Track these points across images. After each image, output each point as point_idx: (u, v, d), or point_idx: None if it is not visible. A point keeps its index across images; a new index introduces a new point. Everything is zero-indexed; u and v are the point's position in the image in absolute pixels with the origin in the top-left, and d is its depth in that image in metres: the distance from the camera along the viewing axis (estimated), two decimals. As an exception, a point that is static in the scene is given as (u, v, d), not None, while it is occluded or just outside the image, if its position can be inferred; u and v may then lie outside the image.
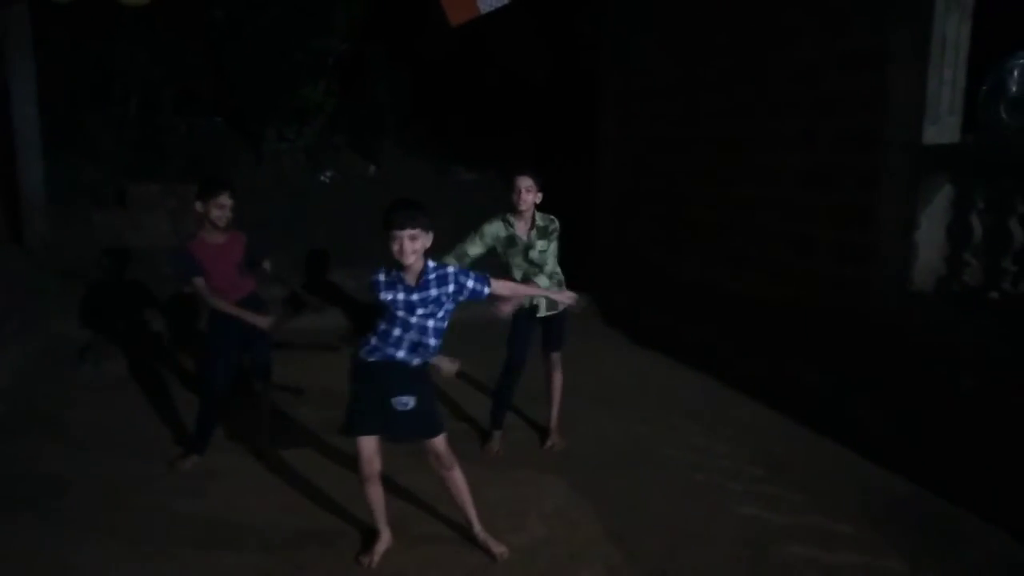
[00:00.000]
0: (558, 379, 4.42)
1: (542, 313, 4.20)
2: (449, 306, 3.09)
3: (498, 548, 3.25)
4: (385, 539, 3.27)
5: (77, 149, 7.70)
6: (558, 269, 4.28)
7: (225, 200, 3.96)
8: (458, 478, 3.24)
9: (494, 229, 4.13)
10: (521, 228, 4.14)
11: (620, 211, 7.85)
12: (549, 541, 3.41)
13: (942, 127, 4.32)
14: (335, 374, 5.57)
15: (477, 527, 3.30)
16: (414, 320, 3.03)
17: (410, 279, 3.02)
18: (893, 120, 4.47)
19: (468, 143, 9.20)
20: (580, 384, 5.51)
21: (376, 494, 3.24)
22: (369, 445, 3.15)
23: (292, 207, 8.19)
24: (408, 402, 3.08)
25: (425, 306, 3.03)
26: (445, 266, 3.11)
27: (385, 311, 3.06)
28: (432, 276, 3.04)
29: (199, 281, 3.93)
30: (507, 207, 4.16)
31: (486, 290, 3.13)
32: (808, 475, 4.07)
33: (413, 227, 2.90)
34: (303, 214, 8.22)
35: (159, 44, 8.23)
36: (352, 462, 4.09)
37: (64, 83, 7.46)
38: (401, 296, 3.02)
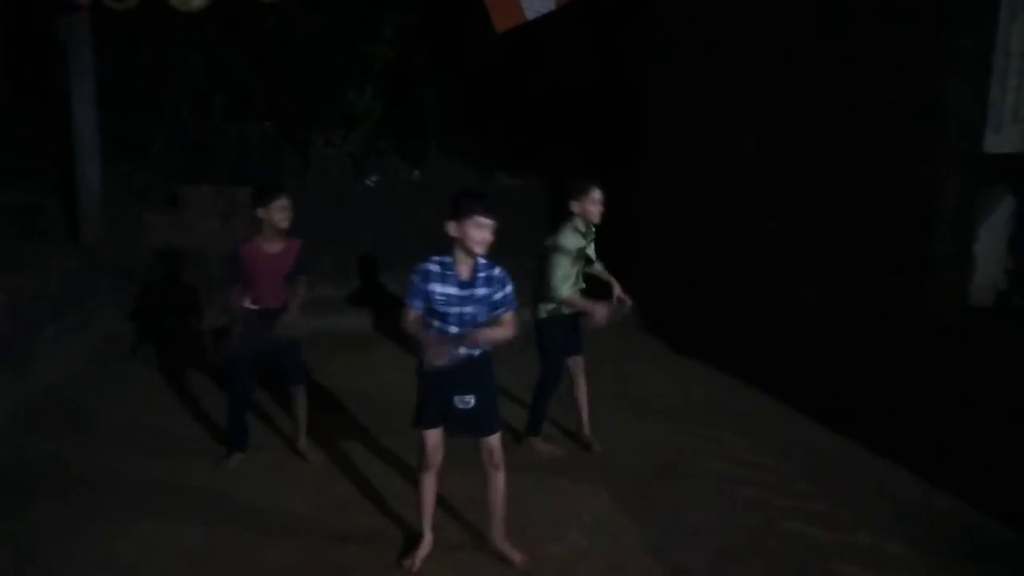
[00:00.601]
0: (583, 384, 4.43)
1: (570, 311, 4.19)
2: (486, 309, 3.07)
3: (516, 555, 3.23)
4: (427, 542, 3.26)
5: (131, 152, 7.91)
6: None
7: (285, 202, 4.01)
8: (501, 480, 3.21)
9: (574, 242, 4.15)
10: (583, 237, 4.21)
11: (663, 217, 7.76)
12: (589, 552, 3.36)
13: (1005, 136, 4.16)
14: (378, 376, 5.65)
15: (498, 533, 3.26)
16: (468, 314, 3.01)
17: (463, 273, 3.00)
18: (953, 128, 4.32)
19: (510, 149, 9.21)
20: (621, 392, 5.46)
21: (429, 489, 3.23)
22: (435, 436, 3.15)
23: (338, 211, 8.29)
24: (470, 401, 3.10)
25: (474, 303, 3.02)
26: (492, 266, 3.07)
27: (433, 305, 3.01)
28: (482, 275, 3.03)
29: (234, 290, 4.03)
30: (563, 213, 4.20)
31: (501, 311, 3.07)
32: (858, 492, 3.95)
33: (497, 217, 2.94)
34: (349, 218, 8.32)
35: (211, 50, 8.42)
36: (394, 463, 4.14)
37: (119, 87, 7.68)
38: (453, 291, 2.99)
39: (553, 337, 4.23)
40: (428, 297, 3.01)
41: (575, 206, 4.17)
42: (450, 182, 8.98)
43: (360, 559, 3.26)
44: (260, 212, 3.99)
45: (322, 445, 4.39)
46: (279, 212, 3.98)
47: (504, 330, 3.06)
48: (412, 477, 3.96)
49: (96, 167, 6.81)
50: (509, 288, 3.08)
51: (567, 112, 9.38)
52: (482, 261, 3.03)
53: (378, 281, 7.47)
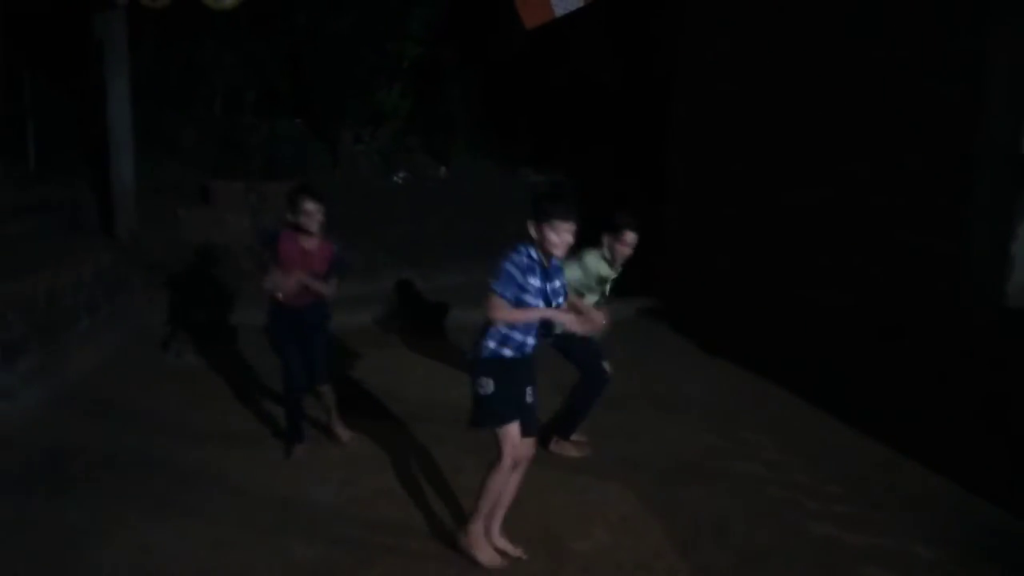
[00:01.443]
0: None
1: None
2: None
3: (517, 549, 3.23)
4: (478, 529, 3.20)
5: (164, 147, 8.04)
6: None
7: (312, 206, 4.00)
8: (518, 480, 3.23)
9: (596, 267, 4.16)
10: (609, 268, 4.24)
11: (690, 216, 7.70)
12: (614, 549, 3.35)
13: (1044, 135, 4.08)
14: (404, 371, 5.68)
15: (474, 527, 3.16)
16: (555, 305, 3.06)
17: (545, 264, 3.05)
18: (991, 129, 4.24)
19: (536, 145, 9.21)
20: (646, 392, 5.44)
21: (509, 489, 3.18)
22: (517, 429, 3.07)
23: (366, 207, 8.35)
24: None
25: (553, 298, 3.06)
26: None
27: (524, 296, 2.96)
28: (556, 264, 3.09)
29: (267, 256, 4.07)
30: (594, 242, 4.17)
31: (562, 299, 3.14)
32: (888, 496, 3.90)
33: (577, 220, 2.97)
34: (377, 214, 8.38)
35: (243, 48, 8.53)
36: (420, 457, 4.16)
37: (153, 84, 7.80)
38: (542, 283, 3.01)
39: (582, 343, 4.14)
40: (522, 288, 2.96)
41: (607, 240, 4.17)
42: (476, 178, 9.02)
43: (387, 551, 3.28)
44: (290, 217, 4.02)
45: (348, 441, 4.43)
46: (305, 215, 3.99)
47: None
48: (438, 470, 4.01)
49: (130, 162, 6.93)
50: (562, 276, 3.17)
51: (593, 108, 9.35)
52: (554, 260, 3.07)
53: (406, 277, 7.51)
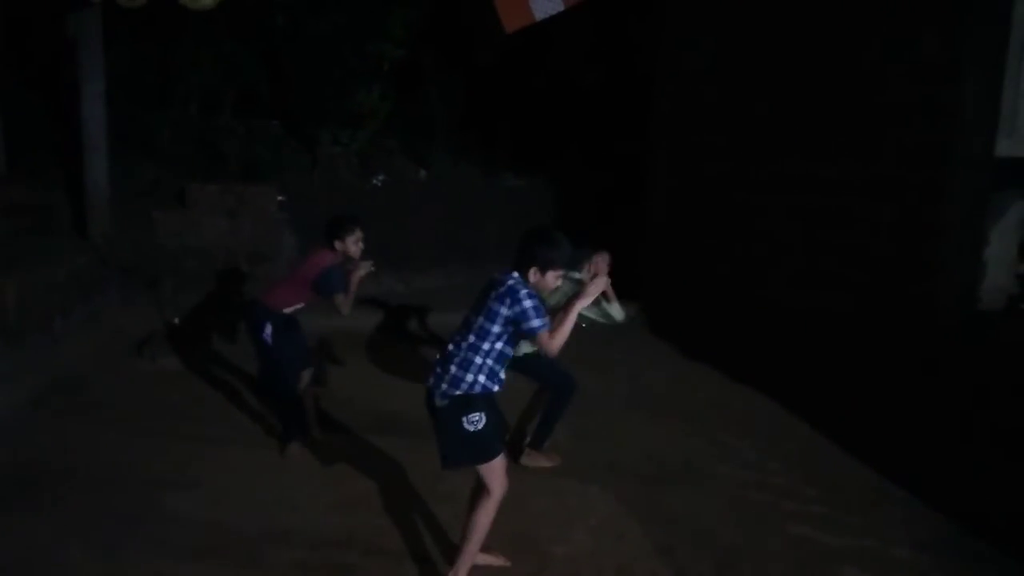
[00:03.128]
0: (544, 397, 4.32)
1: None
2: None
3: None
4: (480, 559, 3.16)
5: (139, 148, 7.92)
6: None
7: (359, 234, 4.26)
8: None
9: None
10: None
11: (670, 219, 7.74)
12: (595, 553, 3.35)
13: (1017, 140, 4.15)
14: (382, 377, 5.65)
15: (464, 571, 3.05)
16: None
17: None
18: (964, 132, 4.31)
19: (517, 149, 9.20)
20: (625, 394, 5.45)
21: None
22: (503, 461, 3.00)
23: (345, 209, 8.28)
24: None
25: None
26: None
27: (515, 332, 2.91)
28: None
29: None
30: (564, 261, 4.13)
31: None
32: (865, 497, 3.93)
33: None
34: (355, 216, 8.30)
35: (220, 48, 8.43)
36: (399, 464, 4.13)
37: (129, 84, 7.69)
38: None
39: (535, 359, 4.04)
40: (517, 323, 2.87)
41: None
42: (456, 182, 8.99)
43: (365, 558, 3.25)
44: (338, 245, 4.18)
45: (326, 445, 4.39)
46: (354, 245, 4.19)
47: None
48: (418, 477, 3.97)
49: (104, 164, 6.82)
50: None
51: (575, 112, 9.37)
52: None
53: (384, 282, 7.46)
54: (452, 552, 3.26)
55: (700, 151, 7.22)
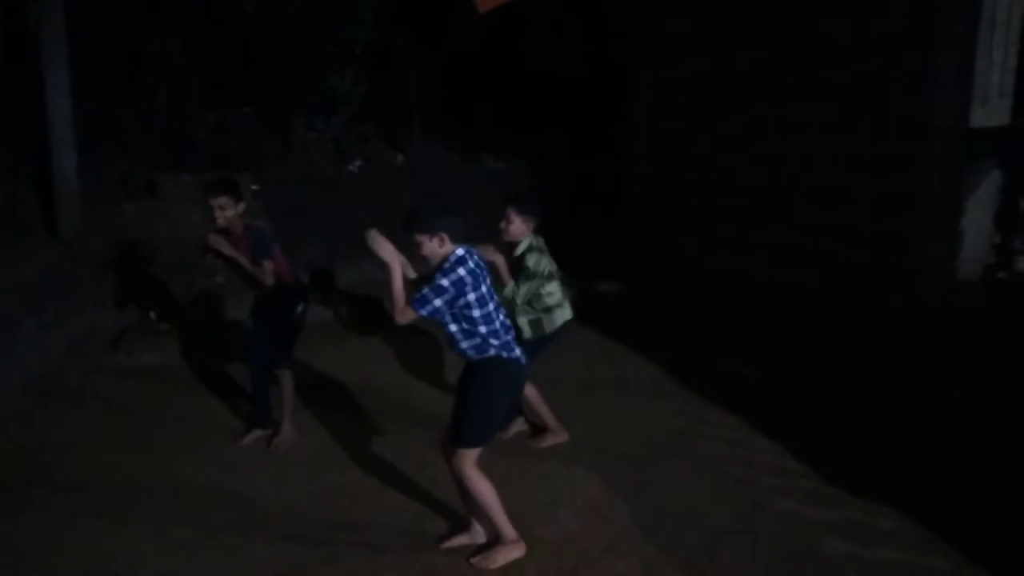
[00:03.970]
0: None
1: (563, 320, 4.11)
2: (455, 309, 2.99)
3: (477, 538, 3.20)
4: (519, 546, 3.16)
5: (108, 140, 7.75)
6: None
7: (218, 200, 3.97)
8: (474, 492, 3.13)
9: (545, 264, 4.05)
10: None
11: (651, 201, 7.73)
12: (581, 534, 3.35)
13: (991, 109, 4.16)
14: (362, 365, 5.60)
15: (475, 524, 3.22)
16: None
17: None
18: (939, 103, 4.31)
19: (495, 132, 9.13)
20: (609, 376, 5.45)
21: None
22: None
23: (321, 197, 8.19)
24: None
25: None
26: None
27: (486, 297, 2.98)
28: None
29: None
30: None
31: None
32: (850, 471, 3.95)
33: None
34: (332, 203, 8.22)
35: (189, 35, 8.25)
36: (381, 452, 4.10)
37: (95, 75, 7.51)
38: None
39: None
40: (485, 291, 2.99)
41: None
42: (434, 166, 8.91)
43: (351, 547, 3.23)
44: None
45: (311, 434, 4.35)
46: (215, 210, 3.98)
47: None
48: (403, 464, 3.95)
49: (72, 157, 6.66)
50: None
51: (553, 94, 9.30)
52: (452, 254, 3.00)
53: (362, 268, 7.39)
54: (440, 535, 3.26)
55: (679, 131, 7.20)
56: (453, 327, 3.00)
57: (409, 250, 3.04)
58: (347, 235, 7.93)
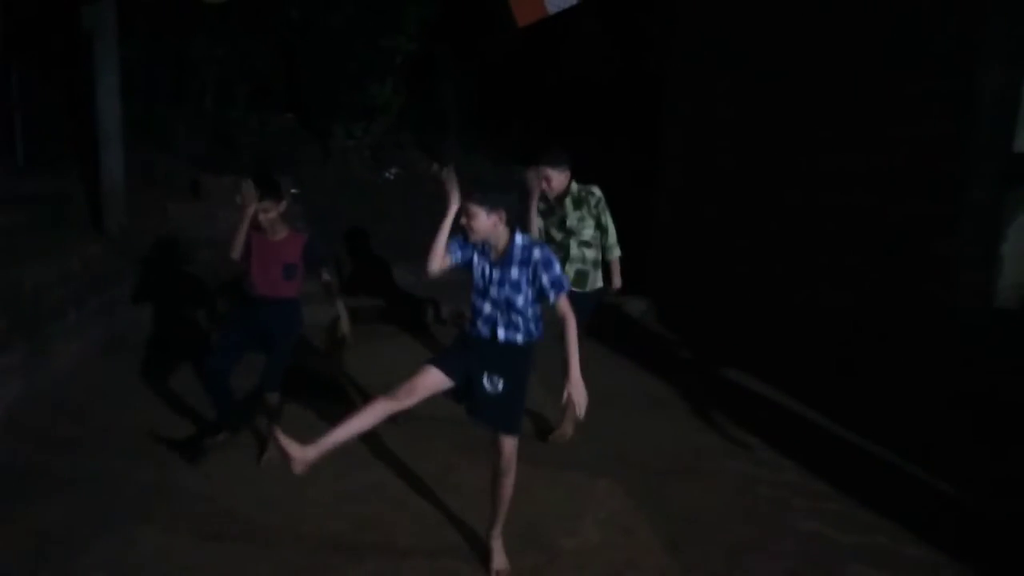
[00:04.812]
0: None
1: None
2: (523, 295, 2.93)
3: (498, 564, 3.10)
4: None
5: (154, 141, 7.98)
6: (595, 238, 4.29)
7: (264, 204, 3.92)
8: (508, 484, 3.06)
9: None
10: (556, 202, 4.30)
11: (681, 213, 7.71)
12: (603, 548, 3.35)
13: (1035, 135, 4.09)
14: (391, 368, 5.65)
15: (495, 533, 3.14)
16: (500, 297, 2.94)
17: (495, 253, 2.97)
18: (981, 126, 4.26)
19: (529, 142, 9.18)
20: (634, 388, 5.44)
21: (366, 416, 2.93)
22: (431, 377, 2.95)
23: (357, 203, 8.32)
24: (498, 384, 2.95)
25: (508, 285, 2.93)
26: (532, 247, 2.94)
27: (475, 275, 3.00)
28: (519, 255, 2.93)
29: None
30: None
31: (552, 297, 2.93)
32: (877, 495, 3.90)
33: (478, 203, 2.90)
34: (368, 210, 8.34)
35: (235, 42, 8.47)
36: (411, 455, 4.13)
37: (144, 77, 7.74)
38: (487, 268, 2.97)
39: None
40: (470, 264, 3.00)
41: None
42: (468, 175, 8.98)
43: (377, 549, 3.26)
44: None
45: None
46: (261, 213, 3.93)
47: (569, 328, 2.91)
48: (430, 467, 3.98)
49: (119, 156, 6.86)
50: (556, 269, 2.94)
51: (587, 104, 9.34)
52: (519, 241, 2.94)
53: (398, 272, 7.49)
54: (463, 542, 3.28)
55: (712, 145, 7.18)
56: (532, 308, 2.98)
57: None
58: (383, 239, 8.06)
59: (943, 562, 3.32)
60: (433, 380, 2.96)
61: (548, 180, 4.17)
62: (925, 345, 4.53)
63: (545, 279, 2.91)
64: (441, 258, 2.95)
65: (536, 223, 4.21)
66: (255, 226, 4.00)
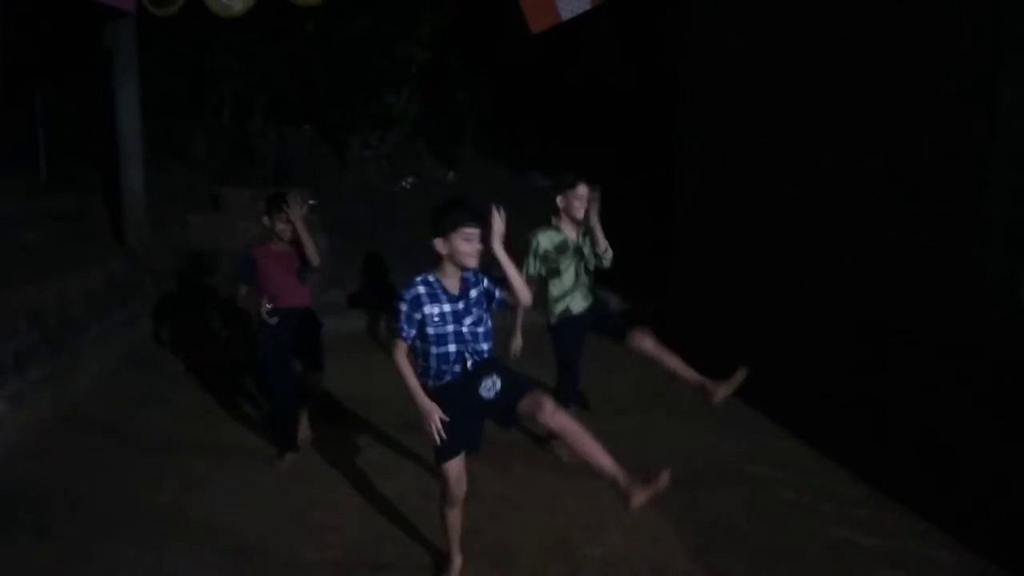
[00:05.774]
0: (650, 344, 4.23)
1: (579, 309, 4.10)
2: (484, 311, 2.94)
3: (641, 493, 2.84)
4: (457, 565, 3.13)
5: (173, 154, 8.07)
6: (590, 253, 4.19)
7: (281, 215, 4.09)
8: (583, 437, 2.85)
9: (544, 241, 4.14)
10: (571, 232, 4.16)
11: (697, 218, 7.66)
12: (629, 555, 3.32)
13: (1062, 131, 4.02)
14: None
15: (620, 477, 2.87)
16: (465, 330, 2.85)
17: (450, 285, 2.87)
18: (1005, 124, 4.18)
19: (545, 149, 9.20)
20: (659, 395, 5.39)
21: (457, 516, 3.06)
22: (459, 466, 2.91)
23: (374, 212, 8.36)
24: (496, 382, 2.87)
25: (470, 312, 2.88)
26: (469, 270, 2.91)
27: (427, 328, 2.83)
28: (469, 279, 2.92)
29: (243, 289, 4.15)
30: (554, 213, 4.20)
31: (497, 294, 2.99)
32: (906, 499, 3.84)
33: (483, 225, 2.80)
34: (384, 219, 8.38)
35: (251, 54, 8.56)
36: (422, 465, 4.13)
37: (162, 91, 7.84)
38: (447, 307, 2.84)
39: (558, 333, 4.21)
40: (421, 323, 2.84)
41: (560, 202, 4.14)
42: (484, 183, 9.01)
43: (398, 558, 3.27)
44: (265, 220, 4.14)
45: (357, 445, 4.41)
46: (280, 223, 4.09)
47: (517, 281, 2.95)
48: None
49: (140, 170, 6.95)
50: (483, 277, 2.95)
51: (602, 111, 9.33)
52: (466, 272, 2.91)
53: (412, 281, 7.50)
54: (487, 551, 3.26)
55: (728, 148, 7.14)
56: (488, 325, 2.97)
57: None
58: (399, 249, 8.09)
59: (976, 567, 3.26)
60: (461, 463, 2.92)
61: (587, 200, 4.03)
62: (953, 346, 4.46)
63: (486, 282, 2.94)
64: (528, 284, 2.96)
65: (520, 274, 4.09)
66: (262, 242, 4.18)
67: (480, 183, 8.98)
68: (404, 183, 9.02)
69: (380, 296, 7.39)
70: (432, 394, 2.90)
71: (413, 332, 2.86)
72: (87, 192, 7.31)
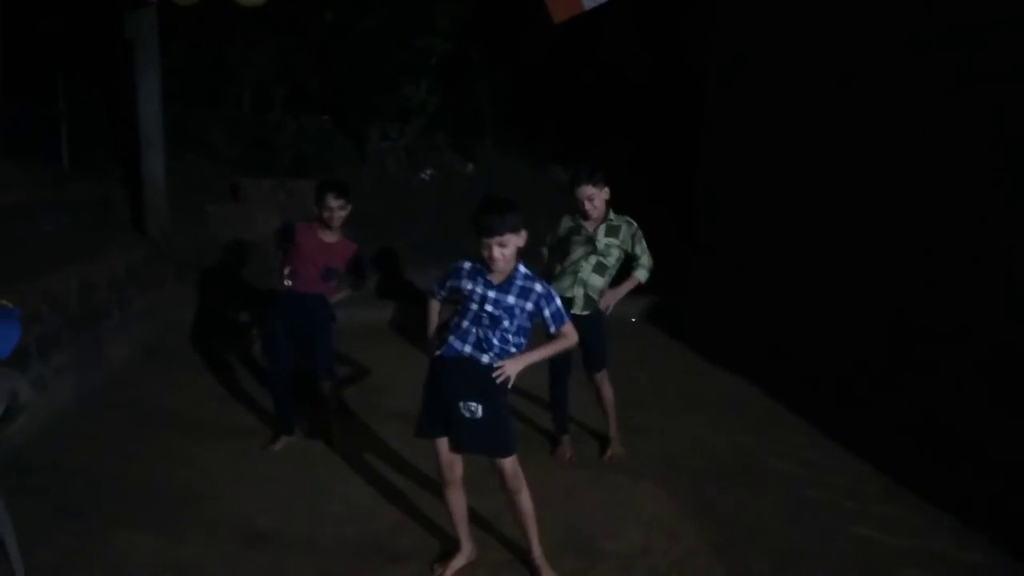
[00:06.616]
0: (607, 393, 4.19)
1: (577, 311, 3.99)
2: (523, 321, 2.94)
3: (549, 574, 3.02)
4: (466, 553, 3.11)
5: (194, 144, 8.10)
6: (613, 268, 4.07)
7: (336, 202, 4.06)
8: (524, 501, 3.00)
9: (562, 226, 4.19)
10: (589, 225, 4.07)
11: (722, 215, 7.58)
12: (647, 551, 3.28)
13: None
14: (416, 368, 5.64)
15: (536, 552, 3.05)
16: (485, 315, 2.88)
17: (495, 278, 2.90)
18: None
19: (565, 142, 9.14)
20: (675, 390, 5.36)
21: (457, 501, 3.07)
22: (444, 448, 3.00)
23: (393, 204, 8.35)
24: (477, 410, 2.89)
25: (497, 307, 2.88)
26: (534, 280, 2.92)
27: (459, 302, 2.97)
28: (518, 283, 2.90)
29: (279, 255, 4.21)
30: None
31: (553, 329, 2.95)
32: (931, 497, 3.77)
33: (502, 232, 2.79)
34: (403, 211, 8.37)
35: (272, 45, 8.56)
36: (427, 460, 4.09)
37: (183, 82, 7.86)
38: (480, 289, 2.89)
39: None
40: (454, 290, 3.00)
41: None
42: (504, 176, 8.97)
43: (414, 549, 3.25)
44: (316, 206, 4.11)
45: (373, 436, 4.41)
46: (328, 211, 4.06)
47: (564, 342, 2.99)
48: (465, 469, 3.93)
49: (160, 160, 6.98)
50: (557, 303, 2.94)
51: (623, 104, 9.25)
52: (521, 270, 2.91)
53: (428, 274, 7.49)
54: (502, 542, 3.25)
55: (752, 144, 7.04)
56: (514, 337, 2.95)
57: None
58: (416, 240, 8.07)
59: (1003, 566, 3.19)
60: (446, 448, 3.03)
61: (590, 199, 3.94)
62: (986, 345, 4.37)
63: (547, 312, 2.93)
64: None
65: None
66: (313, 220, 4.13)
67: (499, 176, 8.94)
68: (423, 175, 9.00)
69: (398, 288, 7.39)
70: (431, 363, 3.05)
71: (443, 293, 3.11)
72: (108, 181, 7.36)
